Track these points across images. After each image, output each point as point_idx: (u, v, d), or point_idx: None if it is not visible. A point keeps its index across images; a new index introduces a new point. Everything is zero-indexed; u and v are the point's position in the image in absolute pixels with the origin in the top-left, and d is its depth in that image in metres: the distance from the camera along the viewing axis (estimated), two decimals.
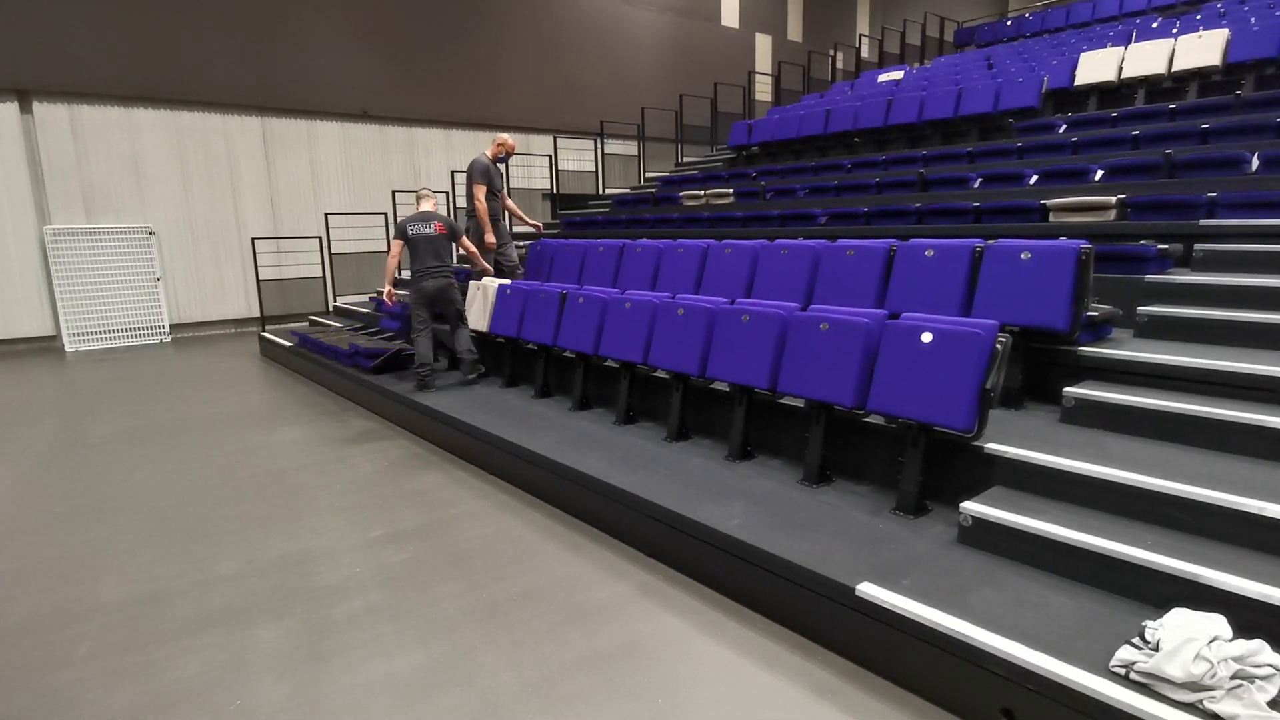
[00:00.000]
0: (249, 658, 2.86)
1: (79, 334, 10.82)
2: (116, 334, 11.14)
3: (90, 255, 10.84)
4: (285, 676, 2.73)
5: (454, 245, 6.42)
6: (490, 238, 6.95)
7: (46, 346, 10.80)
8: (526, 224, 7.91)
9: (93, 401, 7.33)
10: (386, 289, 6.30)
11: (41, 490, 4.80)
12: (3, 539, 4.05)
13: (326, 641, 2.96)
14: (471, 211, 6.99)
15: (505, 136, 7.16)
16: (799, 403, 3.96)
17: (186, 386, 7.97)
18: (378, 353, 6.93)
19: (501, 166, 7.26)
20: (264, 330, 10.34)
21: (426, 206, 6.32)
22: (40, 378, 8.67)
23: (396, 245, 6.10)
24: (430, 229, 6.11)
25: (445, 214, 6.36)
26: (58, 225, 10.57)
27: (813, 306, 4.03)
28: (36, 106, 10.30)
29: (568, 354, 5.70)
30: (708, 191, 8.87)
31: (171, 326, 11.64)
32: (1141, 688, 2.06)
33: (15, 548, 3.93)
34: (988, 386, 3.09)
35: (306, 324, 10.58)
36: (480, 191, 6.88)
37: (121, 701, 2.60)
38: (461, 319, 6.31)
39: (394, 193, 12.18)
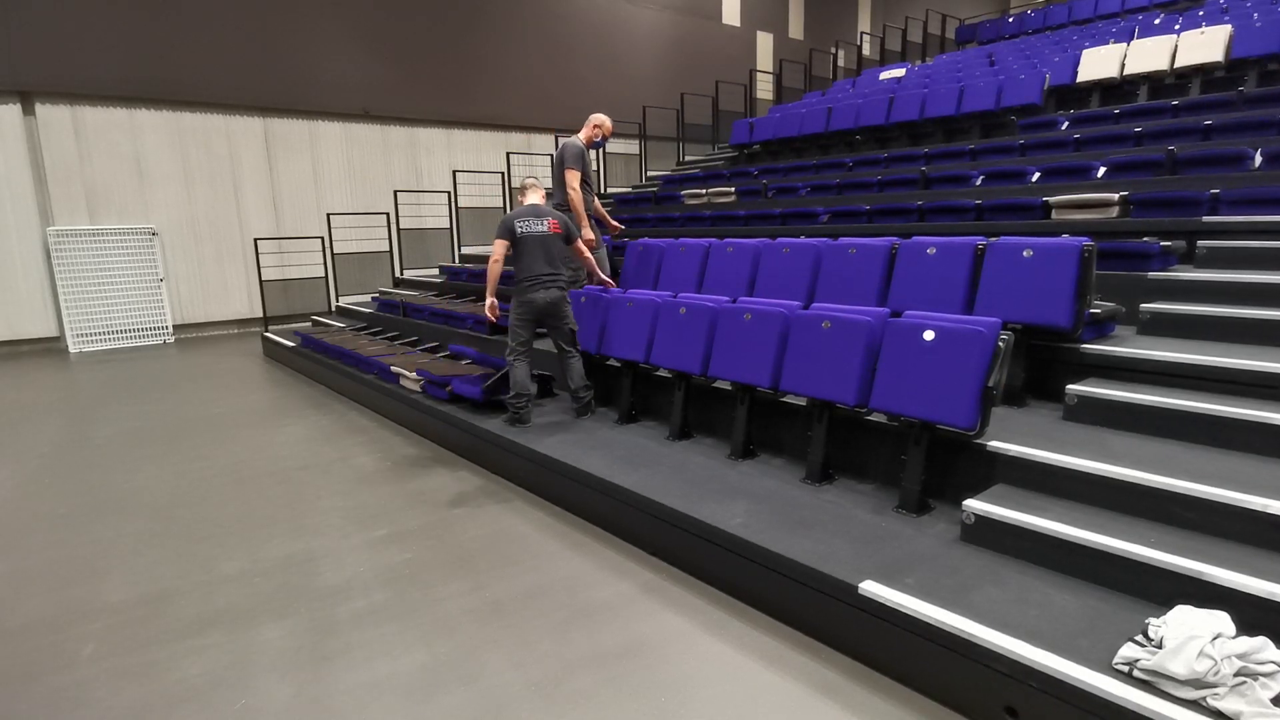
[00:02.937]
0: (253, 658, 2.87)
1: (83, 335, 10.85)
2: (120, 335, 11.17)
3: (93, 256, 10.87)
4: (289, 676, 2.74)
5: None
6: (589, 234, 5.74)
7: (50, 348, 10.83)
8: (609, 225, 6.66)
9: (96, 402, 7.35)
10: (489, 301, 5.03)
11: (46, 491, 4.82)
12: (7, 539, 4.06)
13: (330, 641, 2.96)
14: (560, 204, 5.81)
15: (602, 117, 6.01)
16: (801, 401, 3.96)
17: (190, 387, 7.99)
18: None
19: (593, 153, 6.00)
20: (267, 330, 10.36)
21: (534, 199, 5.14)
22: (44, 379, 8.69)
23: (500, 246, 4.90)
24: (543, 227, 4.94)
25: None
26: (61, 226, 10.60)
27: (815, 305, 4.03)
28: (39, 108, 10.32)
29: None
30: (709, 190, 8.87)
31: (175, 327, 11.66)
32: (1145, 685, 2.06)
33: (20, 548, 3.94)
34: (990, 384, 3.08)
35: (309, 324, 10.59)
36: (573, 178, 5.70)
37: (126, 702, 2.61)
38: (573, 342, 5.14)
39: (396, 193, 12.18)
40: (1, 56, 9.89)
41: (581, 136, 5.97)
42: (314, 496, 4.58)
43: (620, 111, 14.79)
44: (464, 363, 6.41)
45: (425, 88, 13.57)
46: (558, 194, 5.90)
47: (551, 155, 5.71)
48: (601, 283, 5.58)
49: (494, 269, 4.95)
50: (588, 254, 5.42)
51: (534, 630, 2.99)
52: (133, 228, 11.15)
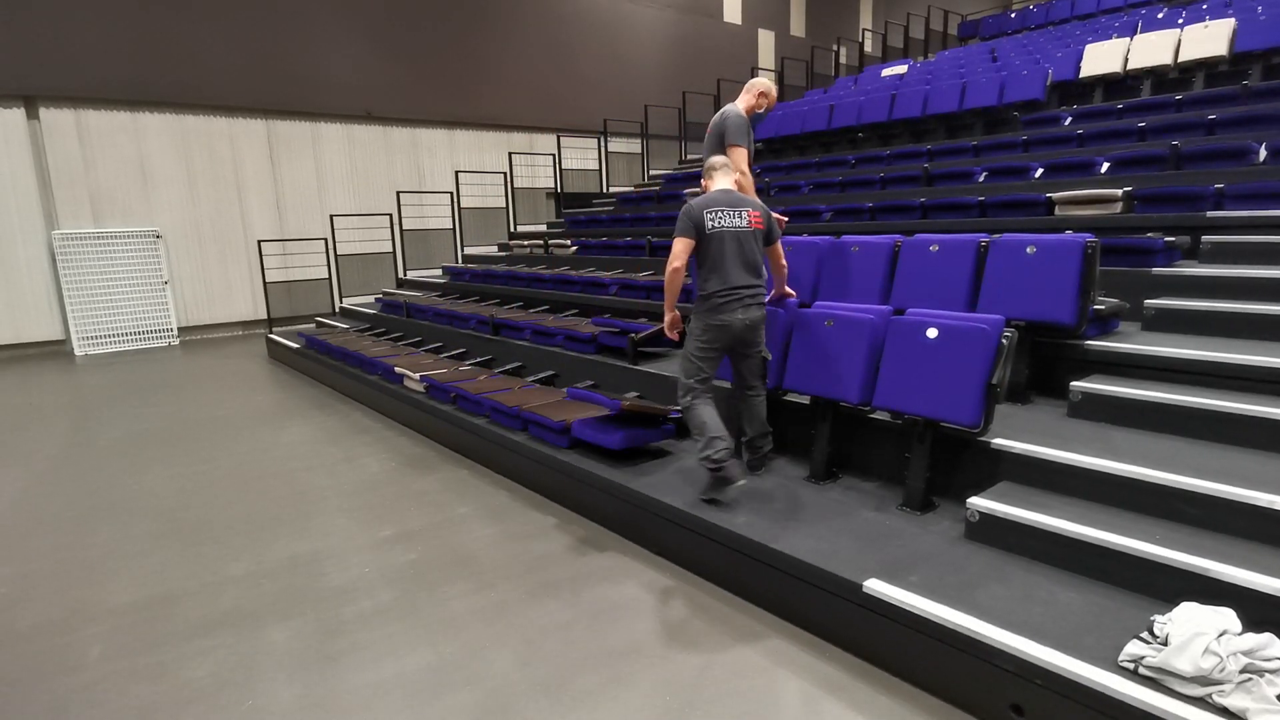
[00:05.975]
0: (259, 658, 2.88)
1: (88, 338, 10.89)
2: (125, 337, 11.21)
3: (98, 259, 10.91)
4: (296, 677, 2.75)
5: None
6: None
7: (56, 351, 10.88)
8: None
9: (102, 405, 7.38)
10: (669, 316, 3.76)
11: (53, 493, 4.84)
12: (15, 542, 4.09)
13: (336, 642, 2.98)
14: None
15: (767, 83, 4.57)
16: (805, 400, 3.95)
17: (195, 389, 8.02)
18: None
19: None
20: (271, 332, 10.39)
21: (725, 184, 3.73)
22: (50, 381, 8.73)
23: (683, 246, 3.51)
24: (741, 221, 3.58)
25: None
26: (66, 230, 10.64)
27: (817, 303, 4.02)
28: (43, 112, 10.36)
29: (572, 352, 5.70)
30: None
31: (179, 329, 11.70)
32: (1150, 682, 2.05)
33: (27, 550, 3.96)
34: (994, 382, 3.08)
35: (313, 325, 10.62)
36: (740, 157, 4.25)
37: (134, 703, 2.63)
38: (764, 375, 3.86)
39: (398, 193, 12.20)
40: (5, 61, 9.93)
41: (742, 106, 4.50)
42: (319, 497, 4.60)
43: (622, 110, 14.83)
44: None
45: (427, 88, 13.58)
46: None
47: (708, 127, 4.51)
48: (780, 295, 4.15)
49: (675, 277, 3.54)
50: (783, 260, 3.99)
51: (539, 630, 2.99)
52: (137, 230, 11.19)
